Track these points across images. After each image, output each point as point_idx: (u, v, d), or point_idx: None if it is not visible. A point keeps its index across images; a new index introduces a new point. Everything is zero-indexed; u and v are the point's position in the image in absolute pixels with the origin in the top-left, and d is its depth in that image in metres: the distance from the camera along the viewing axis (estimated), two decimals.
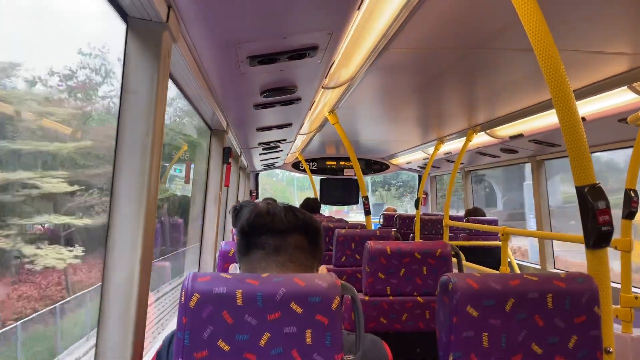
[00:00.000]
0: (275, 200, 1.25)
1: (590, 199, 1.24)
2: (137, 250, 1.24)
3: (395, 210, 7.75)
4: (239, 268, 1.18)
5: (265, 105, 2.72)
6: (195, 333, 1.00)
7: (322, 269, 1.22)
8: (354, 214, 15.38)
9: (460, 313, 1.14)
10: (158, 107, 1.28)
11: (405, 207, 18.47)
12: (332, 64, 2.23)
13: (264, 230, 1.13)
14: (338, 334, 1.02)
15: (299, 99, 2.73)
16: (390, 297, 2.13)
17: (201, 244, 3.11)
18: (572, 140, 1.26)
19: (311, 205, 5.59)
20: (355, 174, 7.69)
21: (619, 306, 2.42)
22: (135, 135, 1.25)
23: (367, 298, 2.13)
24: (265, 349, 1.00)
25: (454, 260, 2.26)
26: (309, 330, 1.01)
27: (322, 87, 2.71)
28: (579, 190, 1.26)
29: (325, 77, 2.44)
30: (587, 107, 2.97)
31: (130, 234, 1.24)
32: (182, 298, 1.01)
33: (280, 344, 1.01)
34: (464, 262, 3.11)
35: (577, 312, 1.16)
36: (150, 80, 1.26)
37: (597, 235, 1.25)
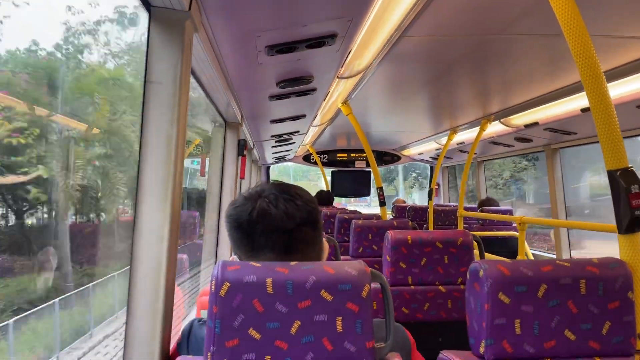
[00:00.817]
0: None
1: (623, 183, 1.22)
2: (163, 240, 1.24)
3: (404, 202, 7.73)
4: None
5: (280, 97, 2.71)
6: (226, 322, 1.00)
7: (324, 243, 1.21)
8: (352, 207, 15.18)
9: (492, 300, 1.13)
10: (182, 98, 1.27)
11: (413, 198, 18.25)
12: (349, 52, 2.21)
13: (269, 229, 1.10)
14: (369, 322, 1.02)
15: (314, 90, 2.71)
16: (412, 287, 2.12)
17: (217, 236, 3.12)
18: (603, 123, 1.24)
19: (324, 197, 5.63)
20: (366, 166, 7.68)
21: None
22: (160, 126, 1.25)
23: (389, 287, 2.12)
24: (296, 337, 1.00)
25: (475, 251, 2.25)
26: (340, 318, 1.01)
27: (337, 77, 2.69)
28: (611, 174, 1.24)
29: (342, 67, 2.42)
30: None
31: (156, 224, 1.24)
32: (213, 287, 1.01)
33: (311, 332, 1.00)
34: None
35: (610, 298, 1.14)
36: (173, 70, 1.26)
37: (630, 219, 1.23)
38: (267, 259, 1.11)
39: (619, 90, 2.89)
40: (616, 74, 2.65)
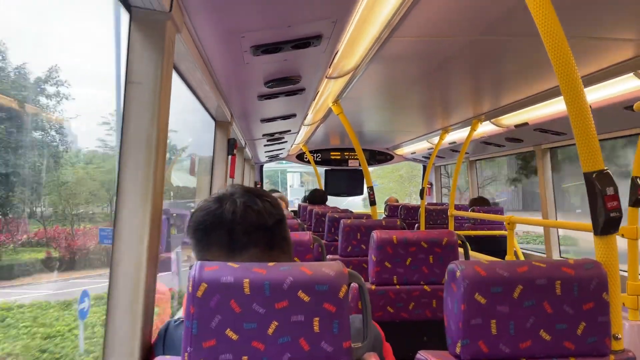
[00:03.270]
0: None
1: (599, 185, 1.23)
2: (144, 241, 1.24)
3: (396, 201, 7.74)
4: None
5: (269, 96, 2.71)
6: (203, 322, 1.00)
7: None
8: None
9: (468, 300, 1.14)
10: (163, 98, 1.28)
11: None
12: (336, 53, 2.21)
13: (254, 227, 1.11)
14: (346, 322, 1.02)
15: (302, 90, 2.72)
16: (397, 286, 2.13)
17: None
18: (579, 126, 1.25)
19: (319, 196, 5.66)
20: (359, 165, 7.69)
21: (625, 294, 2.41)
22: (141, 127, 1.25)
23: (373, 287, 2.13)
24: (273, 338, 1.01)
25: (461, 250, 2.26)
26: (317, 319, 1.01)
27: (326, 77, 2.70)
28: (587, 176, 1.26)
29: (329, 67, 2.43)
30: (593, 95, 2.94)
31: (136, 225, 1.24)
32: (190, 287, 1.01)
33: (288, 333, 1.01)
34: (470, 251, 3.10)
35: (585, 299, 1.15)
36: (154, 71, 1.26)
37: (605, 221, 1.24)
38: (249, 257, 1.11)
39: (606, 92, 2.91)
40: (601, 75, 2.67)
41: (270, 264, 1.05)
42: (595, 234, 1.28)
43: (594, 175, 1.24)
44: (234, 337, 1.01)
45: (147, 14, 1.26)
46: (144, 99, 1.25)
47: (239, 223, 1.11)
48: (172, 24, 1.31)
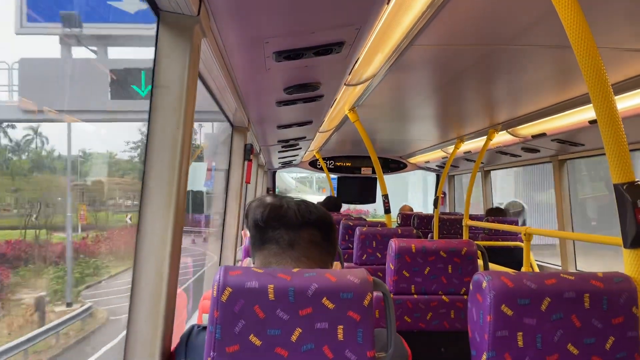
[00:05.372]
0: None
1: (629, 197, 1.21)
2: (166, 244, 1.24)
3: (411, 209, 7.70)
4: (253, 262, 1.18)
5: (287, 102, 2.72)
6: (226, 327, 1.00)
7: (336, 265, 1.22)
8: None
9: (495, 312, 1.13)
10: (188, 102, 1.28)
11: None
12: (357, 60, 2.21)
13: (278, 224, 1.13)
14: (370, 331, 1.01)
15: (321, 96, 2.72)
16: (415, 296, 2.11)
17: (222, 239, 3.13)
18: (610, 137, 1.23)
19: (333, 203, 5.66)
20: (372, 173, 7.66)
21: None
22: (167, 130, 1.26)
23: (391, 296, 2.12)
24: (296, 345, 1.00)
25: (479, 261, 2.23)
26: (341, 327, 1.00)
27: (345, 84, 2.70)
28: (617, 187, 1.23)
29: (349, 74, 2.42)
30: (621, 104, 2.90)
31: (160, 227, 1.24)
32: (214, 292, 1.01)
33: (311, 340, 1.00)
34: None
35: (614, 313, 1.13)
36: (181, 75, 1.27)
37: (635, 233, 1.22)
38: (271, 253, 1.13)
39: (629, 102, 2.87)
40: (625, 86, 2.64)
41: (295, 269, 1.04)
42: (625, 246, 1.25)
43: (624, 187, 1.22)
44: (258, 343, 1.00)
45: (176, 18, 1.27)
46: (171, 103, 1.26)
47: (269, 220, 1.14)
48: (199, 29, 1.32)
